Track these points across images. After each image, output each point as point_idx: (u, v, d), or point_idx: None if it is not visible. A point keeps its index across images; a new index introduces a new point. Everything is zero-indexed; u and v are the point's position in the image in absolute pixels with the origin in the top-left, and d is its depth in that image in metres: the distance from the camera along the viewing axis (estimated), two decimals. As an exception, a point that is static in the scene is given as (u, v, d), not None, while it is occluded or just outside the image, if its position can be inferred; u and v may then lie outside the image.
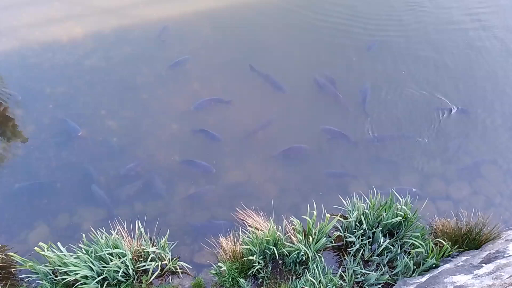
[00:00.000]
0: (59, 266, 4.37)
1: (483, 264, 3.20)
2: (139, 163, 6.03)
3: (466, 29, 8.22)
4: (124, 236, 4.75)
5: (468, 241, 4.63)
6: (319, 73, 7.28)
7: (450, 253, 4.56)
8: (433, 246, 4.52)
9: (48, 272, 4.48)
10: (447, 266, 4.13)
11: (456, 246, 4.63)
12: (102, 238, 4.52)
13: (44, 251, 4.39)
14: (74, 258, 4.36)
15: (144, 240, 4.71)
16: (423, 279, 3.84)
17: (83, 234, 4.62)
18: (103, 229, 4.67)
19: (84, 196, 5.74)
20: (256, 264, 4.45)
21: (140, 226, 4.75)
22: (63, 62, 7.42)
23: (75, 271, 4.22)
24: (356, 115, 6.76)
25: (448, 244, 4.52)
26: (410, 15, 8.45)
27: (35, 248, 4.40)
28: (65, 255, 4.41)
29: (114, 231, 4.65)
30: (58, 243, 4.53)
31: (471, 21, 8.35)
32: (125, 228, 4.84)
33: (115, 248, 4.45)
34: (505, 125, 6.68)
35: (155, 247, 4.73)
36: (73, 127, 6.39)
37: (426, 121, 6.67)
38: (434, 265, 4.42)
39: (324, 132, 6.50)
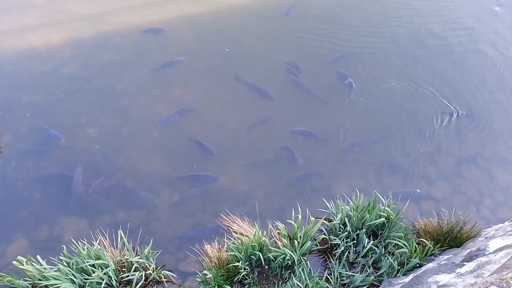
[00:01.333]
0: (39, 280, 4.24)
1: (465, 263, 3.26)
2: (106, 177, 5.84)
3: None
4: (107, 247, 4.66)
5: (450, 239, 4.71)
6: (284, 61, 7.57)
7: (433, 252, 4.63)
8: (416, 245, 4.58)
9: (27, 286, 4.34)
10: (430, 265, 4.19)
11: (438, 245, 4.70)
12: (83, 249, 4.41)
13: (23, 265, 4.26)
14: (55, 271, 4.24)
15: (127, 250, 4.62)
16: (408, 279, 3.88)
17: (64, 246, 4.51)
18: (84, 240, 4.55)
19: (65, 206, 5.61)
20: (242, 271, 4.42)
21: (123, 235, 4.66)
22: (41, 70, 7.26)
23: (56, 284, 4.10)
24: (335, 108, 6.97)
25: (430, 243, 4.59)
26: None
27: (14, 262, 4.27)
28: (45, 268, 4.29)
29: (96, 241, 4.56)
30: (38, 256, 4.40)
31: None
32: (107, 238, 4.74)
33: (98, 259, 4.35)
34: (475, 126, 6.88)
35: (139, 257, 4.64)
36: (54, 135, 6.27)
37: (425, 125, 6.81)
38: (417, 265, 4.47)
39: (294, 133, 6.55)
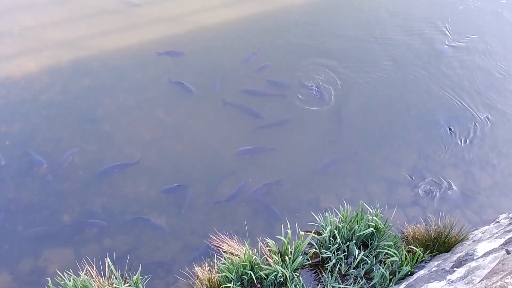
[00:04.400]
0: (24, 316, 4.10)
1: (455, 268, 3.28)
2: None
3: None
4: (94, 276, 4.53)
5: (439, 244, 4.74)
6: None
7: (423, 258, 4.65)
8: (406, 253, 4.59)
9: (12, 324, 4.19)
10: (421, 272, 4.20)
11: (428, 251, 4.72)
12: (69, 281, 4.28)
13: (6, 301, 4.11)
14: (40, 305, 4.10)
15: (116, 278, 4.50)
16: (400, 288, 3.88)
17: (49, 279, 4.37)
18: (70, 271, 4.43)
19: (48, 237, 5.47)
20: (234, 291, 4.35)
21: (110, 263, 4.55)
22: (18, 99, 7.14)
23: (42, 319, 3.96)
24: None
25: (420, 250, 4.61)
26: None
27: (-4, 299, 4.12)
28: (30, 303, 4.14)
29: (83, 271, 4.43)
30: (22, 291, 4.26)
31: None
32: (94, 267, 4.62)
33: (85, 290, 4.23)
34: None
35: (128, 284, 4.52)
36: (37, 160, 6.17)
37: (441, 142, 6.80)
38: (409, 273, 4.48)
39: (241, 154, 6.49)
